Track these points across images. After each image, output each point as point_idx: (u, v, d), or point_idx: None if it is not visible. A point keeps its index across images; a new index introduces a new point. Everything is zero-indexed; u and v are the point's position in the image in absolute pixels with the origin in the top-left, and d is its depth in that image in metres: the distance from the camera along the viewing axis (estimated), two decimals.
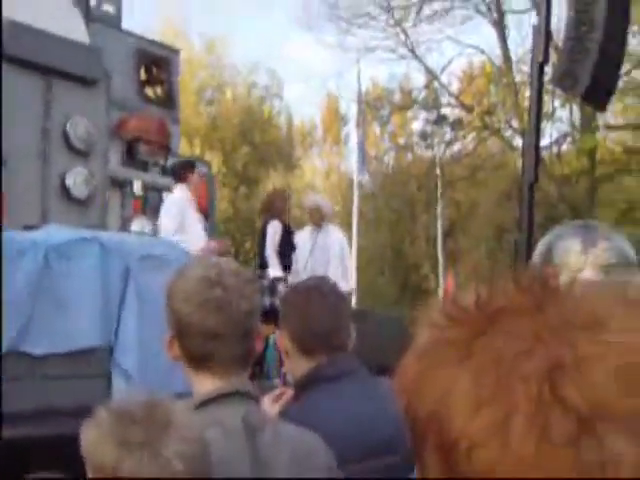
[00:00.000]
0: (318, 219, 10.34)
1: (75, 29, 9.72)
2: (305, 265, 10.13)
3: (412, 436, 0.84)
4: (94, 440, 1.77)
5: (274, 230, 9.91)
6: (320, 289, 2.93)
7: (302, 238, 10.38)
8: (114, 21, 11.40)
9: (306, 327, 2.80)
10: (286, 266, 9.82)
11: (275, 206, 10.08)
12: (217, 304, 2.21)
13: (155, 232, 9.14)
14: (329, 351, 2.80)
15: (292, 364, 2.86)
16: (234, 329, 2.23)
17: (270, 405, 2.76)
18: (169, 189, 9.66)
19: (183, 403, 1.99)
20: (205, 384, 2.26)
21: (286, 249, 9.90)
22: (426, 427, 0.81)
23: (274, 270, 9.71)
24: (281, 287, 9.24)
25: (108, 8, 11.28)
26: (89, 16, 10.63)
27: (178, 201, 8.85)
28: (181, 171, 9.07)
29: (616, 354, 0.74)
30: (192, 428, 1.83)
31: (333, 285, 3.02)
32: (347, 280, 10.29)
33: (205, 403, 2.21)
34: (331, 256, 10.23)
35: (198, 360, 2.27)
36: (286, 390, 2.88)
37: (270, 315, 7.14)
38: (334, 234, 10.51)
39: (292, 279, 9.83)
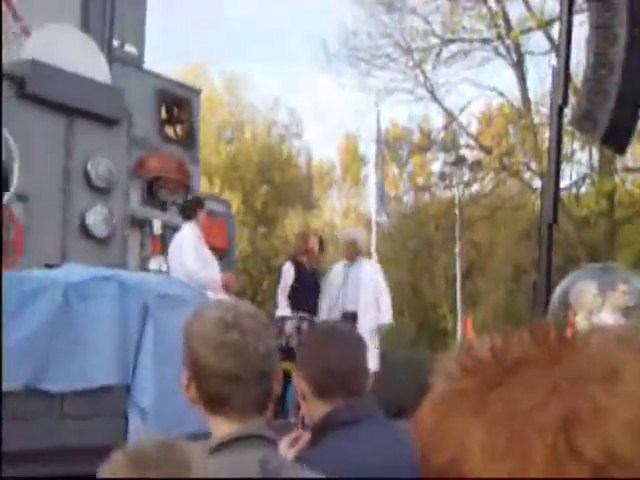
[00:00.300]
0: (353, 253, 10.27)
1: (97, 69, 9.82)
2: (337, 301, 10.10)
3: None
4: None
5: (285, 270, 10.01)
6: (337, 331, 2.93)
7: (334, 273, 10.37)
8: (136, 61, 11.53)
9: (323, 370, 2.78)
10: (300, 306, 9.80)
11: (294, 246, 10.12)
12: (234, 347, 2.20)
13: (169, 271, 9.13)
14: (346, 394, 2.78)
15: (309, 407, 2.85)
16: (251, 372, 2.22)
17: (286, 449, 2.75)
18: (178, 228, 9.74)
19: (199, 446, 1.98)
20: (222, 427, 2.24)
21: (302, 289, 9.91)
22: (443, 477, 0.81)
23: (281, 310, 9.77)
24: (288, 326, 9.30)
25: (130, 49, 11.41)
26: (111, 56, 10.76)
27: (193, 238, 8.85)
28: (191, 208, 9.11)
29: (630, 405, 0.74)
30: (208, 472, 1.82)
31: (350, 327, 3.02)
32: (382, 313, 10.18)
33: (221, 446, 2.19)
34: (362, 291, 10.15)
35: (215, 402, 2.25)
36: (302, 434, 2.86)
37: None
38: (367, 268, 10.42)
39: (323, 316, 9.98)
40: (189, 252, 8.70)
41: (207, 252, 8.91)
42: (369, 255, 11.90)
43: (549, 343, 0.82)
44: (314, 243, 10.25)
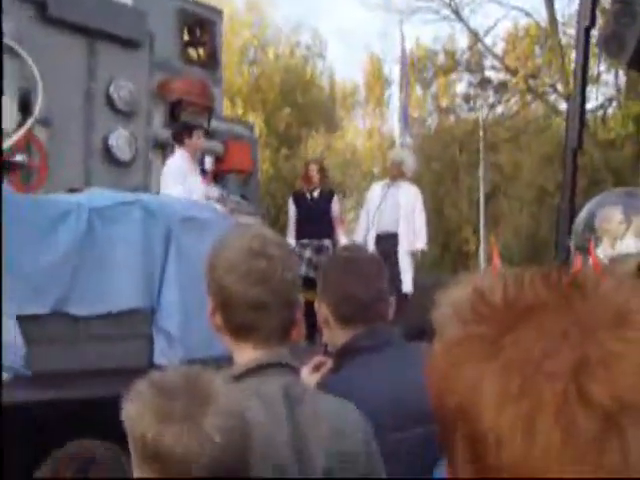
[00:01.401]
0: (396, 174, 10.40)
1: None
2: (373, 220, 10.23)
3: (441, 426, 0.87)
4: (135, 413, 1.80)
5: (288, 207, 10.50)
6: (358, 258, 2.94)
7: (373, 192, 10.64)
8: None
9: (344, 297, 2.81)
10: (304, 235, 10.07)
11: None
12: (261, 274, 2.20)
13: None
14: (368, 321, 2.81)
15: (331, 334, 2.88)
16: (277, 300, 2.22)
17: (309, 375, 2.78)
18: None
19: (223, 374, 2.00)
20: (245, 354, 2.26)
21: (304, 219, 10.16)
22: (455, 419, 0.83)
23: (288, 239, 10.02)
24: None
25: None
26: None
27: (176, 166, 8.73)
28: (178, 134, 9.01)
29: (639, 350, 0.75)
30: (232, 401, 1.85)
31: (371, 254, 3.03)
32: (417, 239, 10.28)
33: (245, 374, 2.21)
34: (400, 213, 10.25)
35: (239, 330, 2.26)
36: (325, 360, 2.90)
37: None
38: (406, 190, 10.47)
39: (358, 235, 10.35)
40: (167, 182, 8.63)
41: (194, 180, 8.77)
42: None
43: (560, 288, 0.83)
44: (312, 170, 10.34)
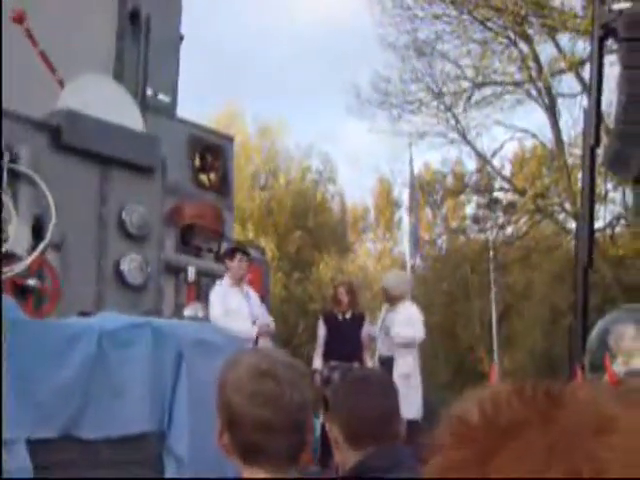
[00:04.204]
0: (386, 299, 10.36)
1: (131, 118, 9.94)
2: (379, 346, 10.20)
3: None
4: None
5: (318, 328, 10.41)
6: (367, 378, 2.93)
7: (379, 319, 10.54)
8: (169, 109, 11.65)
9: (354, 417, 2.78)
10: (333, 356, 9.95)
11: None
12: (269, 396, 2.17)
13: (207, 318, 9.20)
14: (379, 441, 2.77)
15: (341, 455, 2.84)
16: (285, 422, 2.19)
17: None
18: (222, 276, 9.77)
19: None
20: (255, 477, 2.22)
21: (334, 340, 10.07)
22: None
23: (313, 364, 10.05)
24: (317, 377, 9.43)
25: (163, 97, 11.54)
26: (145, 105, 10.88)
27: (219, 289, 9.08)
28: (221, 258, 9.28)
29: (628, 458, 0.73)
30: None
31: (382, 373, 3.02)
32: (415, 330, 10.09)
33: None
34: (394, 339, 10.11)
35: (248, 452, 2.21)
36: None
37: None
38: (400, 313, 10.28)
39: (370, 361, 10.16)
40: (212, 303, 8.95)
41: (234, 302, 8.94)
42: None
43: (537, 402, 0.80)
44: (341, 293, 10.31)
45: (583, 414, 0.77)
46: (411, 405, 9.27)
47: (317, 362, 10.02)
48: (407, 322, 10.00)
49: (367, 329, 10.25)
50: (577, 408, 0.78)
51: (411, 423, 8.91)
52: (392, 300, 10.26)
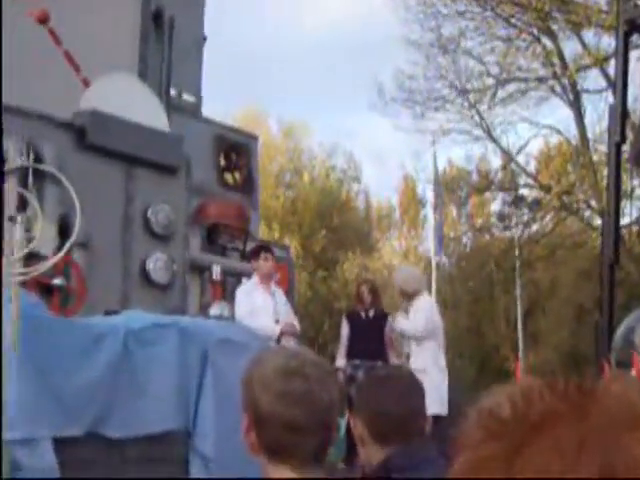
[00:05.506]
0: (402, 297, 10.32)
1: (156, 118, 9.97)
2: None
3: None
4: None
5: (342, 327, 10.37)
6: (392, 375, 2.93)
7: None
8: (194, 109, 11.70)
9: (379, 413, 2.77)
10: (357, 355, 9.93)
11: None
12: (298, 396, 2.15)
13: (233, 317, 9.22)
14: (404, 438, 2.76)
15: (366, 452, 2.83)
16: (314, 422, 2.16)
17: None
18: (248, 274, 9.78)
19: None
20: (281, 476, 2.20)
21: (357, 338, 10.04)
22: None
23: (337, 361, 10.05)
24: (340, 376, 9.39)
25: (188, 97, 11.58)
26: (169, 105, 10.92)
27: (246, 287, 9.17)
28: (248, 257, 9.32)
29: None
30: None
31: (407, 370, 3.01)
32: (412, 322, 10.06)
33: None
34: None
35: (275, 451, 2.19)
36: None
37: None
38: (414, 308, 10.26)
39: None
40: (238, 302, 8.98)
41: (260, 300, 8.95)
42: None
43: (570, 396, 0.79)
44: (364, 292, 10.30)
45: (617, 409, 0.76)
46: (433, 401, 9.24)
47: (340, 361, 10.00)
48: (413, 314, 9.97)
49: (390, 327, 10.22)
50: (610, 403, 0.77)
51: (435, 419, 8.91)
52: (408, 296, 10.22)
